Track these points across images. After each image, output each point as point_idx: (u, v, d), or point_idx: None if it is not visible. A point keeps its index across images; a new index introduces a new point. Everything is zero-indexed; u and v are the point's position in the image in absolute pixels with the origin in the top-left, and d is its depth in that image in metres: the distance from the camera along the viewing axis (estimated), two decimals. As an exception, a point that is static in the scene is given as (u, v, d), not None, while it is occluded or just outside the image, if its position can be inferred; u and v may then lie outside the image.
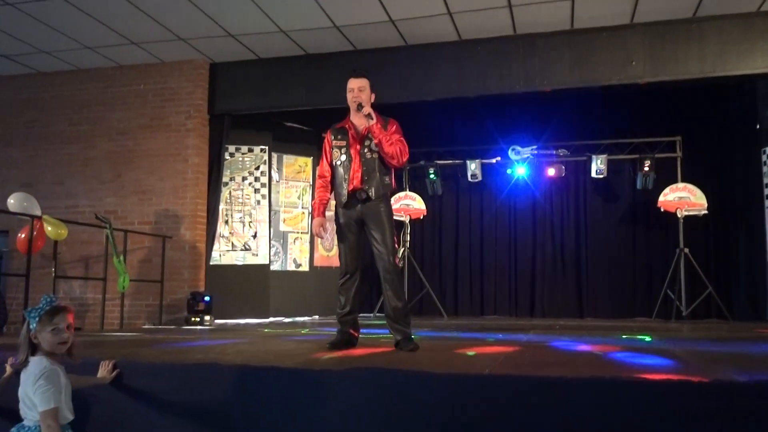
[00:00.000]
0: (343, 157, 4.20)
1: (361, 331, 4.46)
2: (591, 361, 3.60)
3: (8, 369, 3.22)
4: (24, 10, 7.03)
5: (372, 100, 4.30)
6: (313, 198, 4.42)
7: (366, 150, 4.16)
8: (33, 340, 2.81)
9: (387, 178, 4.18)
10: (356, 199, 4.13)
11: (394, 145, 4.11)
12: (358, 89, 4.23)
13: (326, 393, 3.04)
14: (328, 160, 4.29)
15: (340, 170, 4.21)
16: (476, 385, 2.86)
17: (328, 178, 4.29)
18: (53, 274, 6.95)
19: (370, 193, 4.10)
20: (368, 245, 4.23)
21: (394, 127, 4.23)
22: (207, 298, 7.74)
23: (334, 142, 4.26)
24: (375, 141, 4.11)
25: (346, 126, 4.28)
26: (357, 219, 4.17)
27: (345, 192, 4.17)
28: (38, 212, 6.94)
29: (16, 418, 2.84)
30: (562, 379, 2.76)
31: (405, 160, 4.21)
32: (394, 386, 2.97)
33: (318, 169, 4.46)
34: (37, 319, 2.79)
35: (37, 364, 2.77)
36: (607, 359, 3.67)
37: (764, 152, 8.34)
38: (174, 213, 8.26)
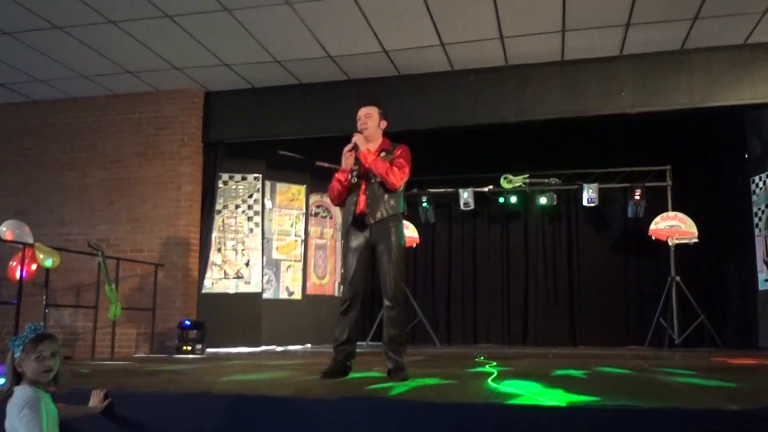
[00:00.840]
0: (354, 181, 4.25)
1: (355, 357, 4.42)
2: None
3: None
4: (21, 39, 7.10)
5: (382, 127, 4.36)
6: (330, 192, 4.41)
7: (372, 176, 4.20)
8: (18, 369, 2.79)
9: (393, 201, 4.18)
10: (365, 223, 4.16)
11: (381, 168, 4.13)
12: (364, 116, 4.31)
13: (318, 422, 3.03)
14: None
15: (351, 194, 4.26)
16: (470, 415, 2.86)
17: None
18: (44, 302, 6.91)
19: (375, 217, 4.13)
20: (374, 273, 4.23)
21: (399, 151, 4.26)
22: (199, 327, 7.69)
23: (351, 167, 4.29)
24: (365, 166, 4.16)
25: (357, 154, 4.33)
26: (367, 242, 4.18)
27: (351, 215, 4.21)
28: (30, 240, 6.92)
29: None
30: (561, 408, 2.77)
31: (398, 184, 4.19)
32: (386, 415, 2.96)
33: None
34: (21, 347, 2.77)
35: (21, 393, 2.75)
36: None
37: (753, 181, 8.43)
38: (167, 241, 8.26)
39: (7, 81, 8.27)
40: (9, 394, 2.78)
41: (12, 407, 2.73)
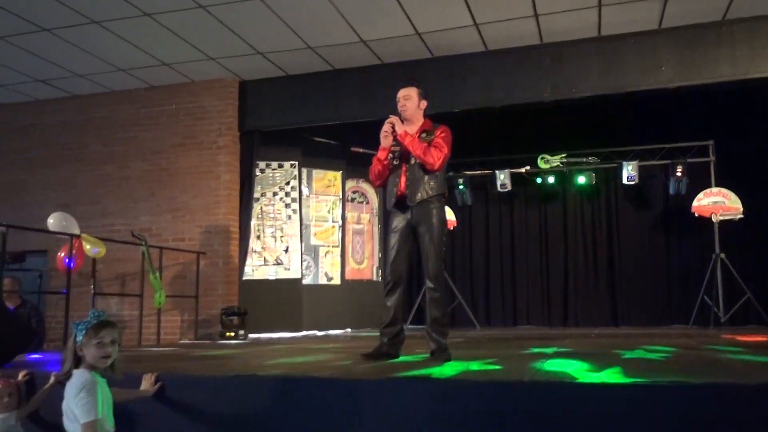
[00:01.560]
0: (396, 162, 4.25)
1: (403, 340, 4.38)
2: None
3: (52, 379, 3.31)
4: (60, 36, 7.24)
5: (422, 107, 4.33)
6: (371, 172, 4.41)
7: (412, 156, 4.19)
8: (78, 352, 2.87)
9: (433, 182, 4.16)
10: (407, 204, 4.16)
11: (418, 149, 4.11)
12: (403, 98, 4.29)
13: (364, 402, 3.06)
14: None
15: (393, 175, 4.26)
16: (514, 393, 2.86)
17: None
18: (92, 292, 7.09)
19: (416, 198, 4.12)
20: (417, 254, 4.24)
21: (439, 131, 4.22)
22: (241, 313, 7.81)
23: (391, 148, 4.28)
24: (403, 147, 4.15)
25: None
26: (408, 224, 4.18)
27: (393, 197, 4.22)
28: (77, 231, 7.09)
29: (60, 432, 2.91)
30: (608, 385, 2.75)
31: (437, 165, 4.15)
32: (430, 395, 2.98)
33: None
34: (84, 332, 2.86)
35: (79, 376, 2.84)
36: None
37: (800, 154, 8.20)
38: (207, 229, 8.39)
39: (47, 77, 8.45)
40: (68, 376, 2.87)
41: (70, 389, 2.82)
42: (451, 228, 10.09)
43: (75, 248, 6.81)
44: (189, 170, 8.58)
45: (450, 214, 9.98)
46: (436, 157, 4.13)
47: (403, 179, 4.19)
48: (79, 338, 2.86)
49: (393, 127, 4.22)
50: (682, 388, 2.63)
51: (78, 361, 2.88)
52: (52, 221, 7.15)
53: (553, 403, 2.76)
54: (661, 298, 9.59)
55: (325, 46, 7.68)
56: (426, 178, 4.16)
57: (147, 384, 3.35)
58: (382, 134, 4.24)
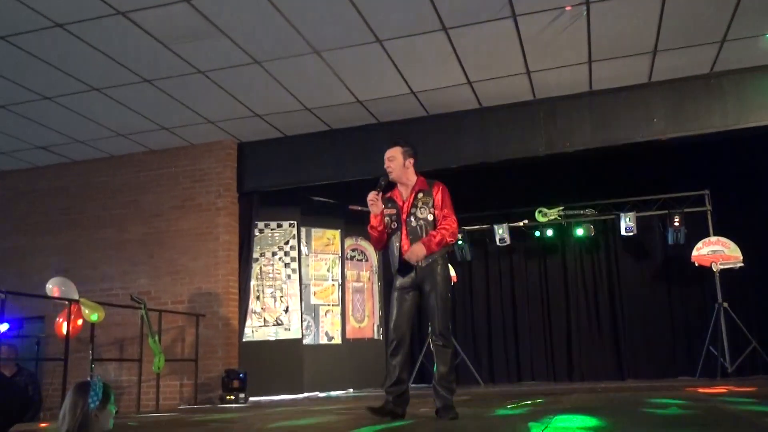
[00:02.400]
0: (394, 225, 4.25)
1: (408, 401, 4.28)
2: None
3: None
4: (60, 103, 7.35)
5: (409, 166, 4.32)
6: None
7: (412, 219, 4.19)
8: (93, 419, 2.81)
9: None
10: (410, 266, 4.14)
11: (438, 244, 4.10)
12: (387, 160, 4.32)
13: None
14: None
15: (393, 238, 4.25)
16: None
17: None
18: (90, 358, 6.99)
19: (420, 262, 4.10)
20: (422, 313, 4.21)
21: (438, 195, 4.22)
22: (242, 376, 7.69)
23: (385, 211, 4.29)
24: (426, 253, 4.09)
25: (394, 196, 4.34)
26: (413, 283, 4.16)
27: (397, 261, 4.20)
28: (76, 296, 7.05)
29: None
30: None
31: (456, 233, 4.20)
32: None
33: None
34: (100, 397, 2.82)
35: None
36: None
37: (795, 201, 8.25)
38: (207, 291, 8.34)
39: (48, 144, 8.55)
40: None
41: None
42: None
43: (73, 313, 6.75)
44: (188, 232, 8.59)
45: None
46: (453, 229, 4.15)
47: (405, 242, 4.17)
48: (94, 405, 2.81)
49: (379, 189, 4.23)
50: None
51: (80, 430, 2.81)
52: (51, 286, 7.11)
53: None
54: (666, 350, 9.48)
55: (321, 107, 7.80)
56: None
57: None
58: (369, 203, 4.25)
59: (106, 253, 8.85)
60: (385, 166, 4.32)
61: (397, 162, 4.30)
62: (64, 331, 6.64)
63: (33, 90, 7.03)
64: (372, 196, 4.23)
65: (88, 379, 2.91)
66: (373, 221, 4.28)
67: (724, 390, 6.06)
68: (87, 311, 6.86)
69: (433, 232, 4.12)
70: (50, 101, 7.29)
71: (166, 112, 7.73)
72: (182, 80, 6.95)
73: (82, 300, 6.93)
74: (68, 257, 8.91)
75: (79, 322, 6.94)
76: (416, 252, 4.06)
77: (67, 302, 6.79)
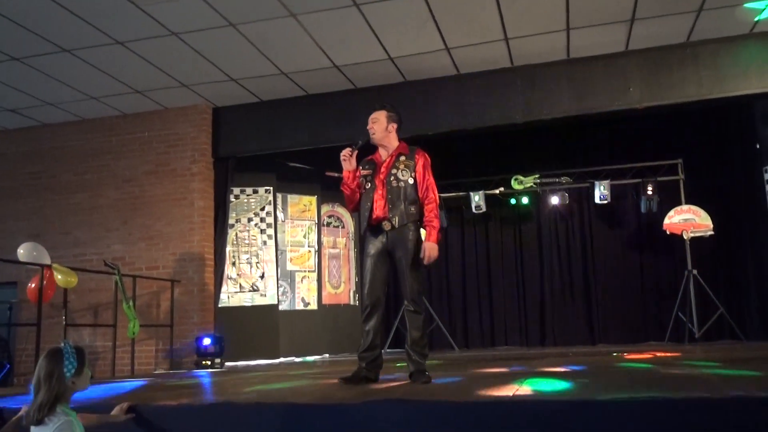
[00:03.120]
0: (368, 186, 4.25)
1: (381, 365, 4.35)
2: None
3: (22, 412, 3.17)
4: (30, 65, 7.18)
5: (392, 130, 4.32)
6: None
7: (392, 178, 4.19)
8: (70, 386, 2.80)
9: (413, 208, 4.16)
10: (381, 229, 4.16)
11: (434, 222, 4.15)
12: (371, 121, 4.32)
13: (343, 427, 3.03)
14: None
15: (365, 199, 4.25)
16: (497, 412, 2.85)
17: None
18: (64, 323, 6.94)
19: (394, 222, 4.12)
20: (394, 277, 4.24)
21: (421, 161, 4.24)
22: (217, 341, 7.71)
23: (361, 171, 4.29)
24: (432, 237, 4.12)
25: (374, 158, 4.34)
26: (384, 249, 4.17)
27: (368, 220, 4.21)
28: (48, 261, 6.97)
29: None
30: (591, 402, 2.75)
31: (438, 204, 4.26)
32: (410, 417, 2.95)
33: None
34: (75, 364, 2.80)
35: (55, 420, 2.75)
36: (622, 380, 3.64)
37: (765, 171, 8.38)
38: (182, 257, 8.30)
39: (17, 106, 8.36)
40: (42, 419, 2.75)
41: (41, 429, 2.73)
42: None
43: (46, 278, 6.69)
44: (162, 198, 8.51)
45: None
46: (436, 203, 4.20)
47: (380, 203, 4.17)
48: (70, 372, 2.79)
49: (353, 148, 4.25)
50: (662, 403, 2.64)
51: (56, 399, 2.78)
52: (22, 251, 7.02)
53: (535, 420, 2.75)
54: (636, 316, 9.68)
55: (298, 71, 7.71)
56: (406, 203, 4.16)
57: (119, 411, 3.28)
58: (341, 158, 4.26)
59: (78, 218, 8.74)
60: (368, 128, 4.32)
61: (380, 124, 4.29)
62: (37, 296, 6.57)
63: (1, 50, 6.85)
64: (345, 152, 4.25)
65: (59, 346, 2.87)
66: (346, 177, 4.28)
67: (690, 354, 6.22)
68: (60, 276, 6.80)
69: (429, 221, 4.15)
70: (19, 62, 7.11)
71: (139, 74, 7.58)
72: (155, 42, 6.81)
73: (54, 265, 6.86)
74: (40, 222, 8.80)
75: (52, 289, 6.87)
76: (431, 253, 4.09)
77: (39, 267, 6.72)
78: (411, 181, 4.19)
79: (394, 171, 4.20)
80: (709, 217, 8.74)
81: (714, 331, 8.81)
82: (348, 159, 4.25)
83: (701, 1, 6.41)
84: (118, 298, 7.41)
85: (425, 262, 4.11)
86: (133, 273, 8.01)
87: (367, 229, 4.24)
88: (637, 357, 6.04)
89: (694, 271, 8.66)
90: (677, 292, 8.76)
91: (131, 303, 7.43)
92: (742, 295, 9.15)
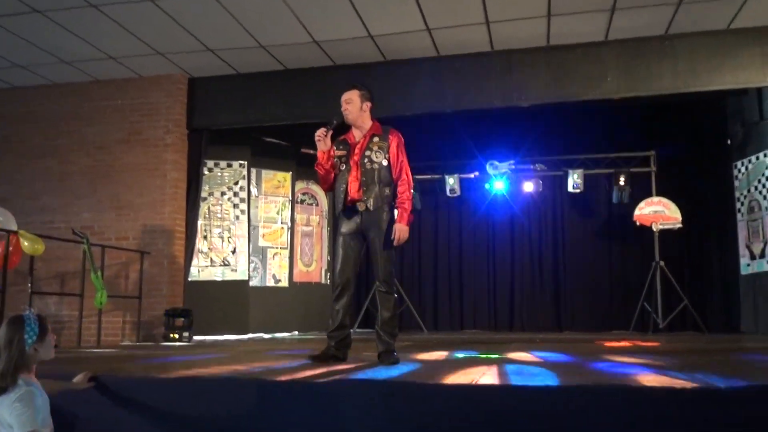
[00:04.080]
0: (343, 167, 4.23)
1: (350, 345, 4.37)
2: (576, 370, 3.64)
3: None
4: (0, 24, 6.98)
5: (366, 110, 4.31)
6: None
7: (366, 160, 4.17)
8: (32, 353, 2.75)
9: (387, 190, 4.17)
10: (356, 210, 4.14)
11: (406, 204, 4.16)
12: (345, 102, 4.29)
13: (311, 405, 3.03)
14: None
15: (340, 180, 4.23)
16: (462, 395, 2.88)
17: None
18: (29, 291, 6.83)
19: (369, 204, 4.11)
20: (366, 258, 4.24)
21: (395, 142, 4.23)
22: (186, 314, 7.65)
23: (335, 152, 4.26)
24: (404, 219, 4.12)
25: (347, 138, 4.31)
26: (357, 229, 4.18)
27: (343, 202, 4.19)
28: (14, 227, 6.84)
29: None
30: (553, 387, 2.79)
31: (412, 186, 4.29)
32: (378, 397, 2.97)
33: None
34: (37, 331, 2.75)
35: (16, 389, 2.70)
36: (592, 368, 3.71)
37: (735, 167, 8.53)
38: (152, 228, 8.19)
39: (-14, 67, 8.14)
40: (5, 389, 2.69)
41: (2, 399, 2.68)
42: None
43: (12, 245, 6.56)
44: (134, 167, 8.37)
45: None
46: (409, 185, 4.21)
47: (355, 185, 4.16)
48: (31, 341, 2.74)
49: (329, 128, 4.22)
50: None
51: (17, 368, 2.73)
52: (-12, 217, 6.87)
53: (501, 405, 2.78)
54: (603, 305, 9.83)
55: (277, 45, 7.61)
56: (380, 185, 4.15)
57: (81, 378, 3.24)
58: (316, 139, 4.22)
59: (47, 184, 8.57)
60: (342, 109, 4.29)
61: (354, 105, 4.27)
62: (2, 263, 6.44)
63: (-30, 8, 6.65)
64: (320, 132, 4.21)
65: (21, 313, 2.81)
66: (320, 157, 4.25)
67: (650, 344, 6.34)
68: (26, 243, 6.67)
69: (401, 203, 4.15)
70: (-11, 22, 6.91)
71: (113, 40, 7.41)
72: (130, 7, 6.65)
73: (21, 232, 6.73)
74: (7, 187, 8.60)
75: (17, 256, 6.74)
76: (401, 235, 4.09)
77: (5, 233, 6.58)
78: (385, 162, 4.18)
79: (368, 153, 4.19)
80: (678, 210, 8.87)
81: (678, 322, 8.99)
82: (323, 139, 4.21)
83: (682, -5, 6.45)
84: (86, 268, 7.30)
85: (395, 243, 4.11)
86: (102, 243, 7.90)
87: (342, 210, 4.22)
88: (615, 345, 6.14)
89: (662, 263, 8.81)
90: (644, 283, 8.91)
91: (99, 273, 7.33)
92: (707, 288, 9.34)
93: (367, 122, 4.32)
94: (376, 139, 4.23)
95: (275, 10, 6.71)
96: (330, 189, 4.39)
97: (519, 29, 7.18)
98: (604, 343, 6.36)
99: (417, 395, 2.91)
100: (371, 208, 4.12)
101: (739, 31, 7.16)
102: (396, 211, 4.19)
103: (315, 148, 4.36)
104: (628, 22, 7.02)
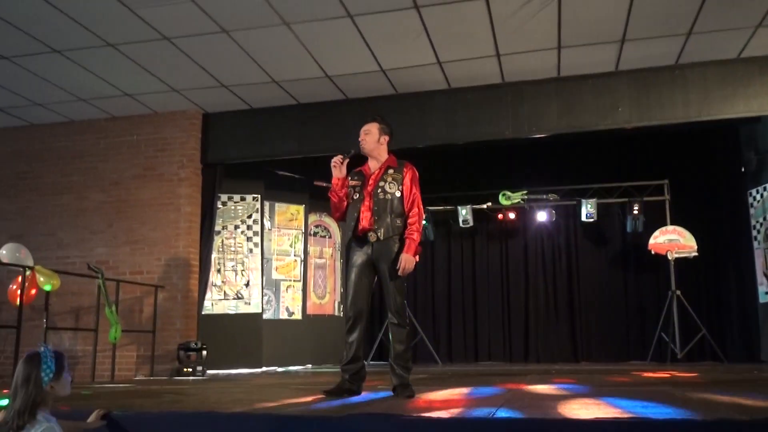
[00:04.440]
0: (356, 196, 4.25)
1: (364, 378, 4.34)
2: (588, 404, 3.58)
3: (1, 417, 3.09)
4: (20, 64, 7.13)
5: (383, 143, 4.35)
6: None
7: (380, 191, 4.19)
8: (50, 390, 2.75)
9: (399, 221, 4.17)
10: (367, 240, 4.16)
11: (415, 235, 4.16)
12: (363, 133, 4.33)
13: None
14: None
15: (352, 209, 4.25)
16: (477, 429, 2.84)
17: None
18: (44, 326, 6.86)
19: (379, 234, 4.12)
20: (378, 289, 4.24)
21: (409, 175, 4.26)
22: (200, 348, 7.64)
23: (350, 181, 4.30)
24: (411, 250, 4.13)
25: (363, 170, 4.34)
26: (368, 260, 4.17)
27: (355, 231, 4.20)
28: (30, 263, 6.90)
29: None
30: (566, 420, 2.75)
31: (423, 218, 4.33)
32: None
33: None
34: (53, 368, 2.75)
35: (37, 426, 2.70)
36: (604, 401, 3.65)
37: (750, 194, 8.48)
38: (166, 262, 8.23)
39: (5, 105, 8.28)
40: (22, 427, 2.68)
41: None
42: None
43: (27, 281, 6.61)
44: (149, 202, 8.45)
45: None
46: (420, 217, 4.23)
47: (366, 215, 4.18)
48: (48, 378, 2.73)
49: (343, 159, 4.26)
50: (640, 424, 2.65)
51: (35, 405, 2.72)
52: (5, 252, 6.94)
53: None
54: (619, 334, 9.72)
55: (289, 80, 7.71)
56: (392, 216, 4.16)
57: (94, 417, 3.23)
58: (332, 165, 4.26)
59: (63, 220, 8.66)
60: (360, 139, 4.33)
61: (371, 136, 4.31)
62: (18, 298, 6.49)
63: (-10, 49, 6.80)
64: (336, 159, 4.25)
65: (38, 350, 2.81)
66: (334, 184, 4.27)
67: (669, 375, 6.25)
68: (42, 279, 6.73)
69: (410, 234, 4.14)
70: (8, 61, 7.05)
71: (130, 78, 7.55)
72: (147, 46, 6.79)
73: (36, 267, 6.79)
74: (24, 223, 8.71)
75: (33, 290, 6.79)
76: (407, 265, 4.06)
77: (21, 269, 6.64)
78: (398, 194, 4.20)
79: (381, 183, 4.21)
80: (693, 239, 8.81)
81: (696, 351, 8.86)
82: (339, 166, 4.25)
83: (691, 25, 6.49)
84: (100, 302, 7.33)
85: (400, 273, 4.08)
86: (116, 277, 7.94)
87: (353, 239, 4.23)
88: (620, 377, 6.05)
89: (678, 292, 8.72)
90: (660, 312, 8.81)
91: (114, 307, 7.36)
92: (725, 316, 9.21)
93: (384, 155, 4.36)
94: (391, 170, 4.26)
95: (288, 47, 6.81)
96: (342, 218, 4.40)
97: (529, 61, 7.24)
98: (641, 374, 6.26)
99: (433, 430, 2.87)
100: (382, 238, 4.12)
101: (750, 59, 7.18)
102: (401, 240, 4.19)
103: (328, 180, 4.38)
104: (639, 52, 7.06)
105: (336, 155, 4.31)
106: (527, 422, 2.84)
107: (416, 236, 4.17)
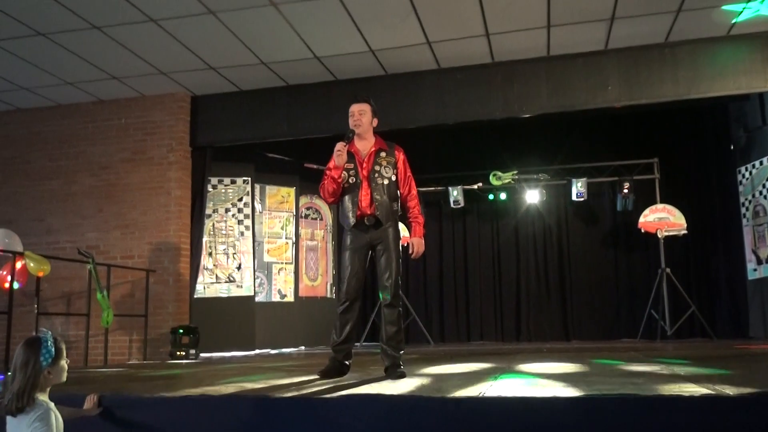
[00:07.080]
0: (352, 180, 4.21)
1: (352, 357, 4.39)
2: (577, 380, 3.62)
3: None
4: (5, 47, 7.04)
5: (374, 125, 4.34)
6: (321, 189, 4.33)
7: (376, 175, 4.18)
8: (47, 376, 2.76)
9: (395, 205, 4.21)
10: (365, 224, 4.15)
11: (420, 219, 4.32)
12: (358, 113, 4.26)
13: (320, 421, 3.02)
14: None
15: (348, 193, 4.21)
16: (470, 409, 2.86)
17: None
18: (36, 311, 6.84)
19: (380, 218, 4.13)
20: (372, 272, 4.25)
21: (402, 158, 4.30)
22: (192, 332, 7.65)
23: (346, 166, 4.22)
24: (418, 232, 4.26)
25: (352, 150, 4.27)
26: (366, 244, 4.18)
27: (353, 216, 4.17)
28: (20, 248, 6.86)
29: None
30: (561, 399, 2.78)
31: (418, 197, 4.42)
32: (385, 412, 2.96)
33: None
34: (53, 354, 2.76)
35: (36, 407, 2.72)
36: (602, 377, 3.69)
37: (739, 172, 8.52)
38: (157, 246, 8.22)
39: (-9, 90, 8.20)
40: (21, 408, 2.71)
41: (23, 419, 2.69)
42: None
43: (18, 266, 6.58)
44: (138, 186, 8.41)
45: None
46: (416, 194, 4.35)
47: (366, 200, 4.15)
48: (46, 362, 2.75)
49: (347, 141, 4.21)
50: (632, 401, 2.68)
51: (32, 392, 2.74)
52: (-6, 238, 6.90)
53: (508, 418, 2.77)
54: (610, 313, 9.80)
55: (278, 61, 7.65)
56: (389, 200, 4.17)
57: (90, 404, 3.25)
58: (336, 152, 4.20)
59: (52, 205, 8.61)
60: (354, 119, 4.25)
61: (366, 117, 4.28)
62: (8, 284, 6.46)
63: (-26, 32, 6.72)
64: (340, 146, 4.16)
65: (39, 335, 2.83)
66: (335, 172, 4.20)
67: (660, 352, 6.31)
68: (32, 264, 6.70)
69: (415, 218, 4.29)
70: (-8, 45, 6.97)
71: (117, 61, 7.47)
72: (133, 28, 6.71)
73: (26, 253, 6.76)
74: (12, 208, 8.65)
75: (23, 275, 6.77)
76: (419, 248, 4.24)
77: (11, 255, 6.61)
78: (393, 178, 4.22)
79: (377, 167, 4.20)
80: (683, 217, 8.86)
81: (685, 328, 8.95)
82: (342, 154, 4.16)
83: (680, 2, 6.47)
84: (91, 287, 7.31)
85: (413, 257, 4.17)
86: (107, 262, 7.92)
87: (353, 225, 4.20)
88: (610, 355, 6.10)
89: (668, 270, 8.78)
90: (650, 290, 8.88)
91: (105, 292, 7.34)
92: (714, 293, 9.30)
93: (372, 137, 4.34)
94: (383, 154, 4.24)
95: (276, 27, 6.75)
96: (335, 202, 4.35)
97: (519, 41, 7.21)
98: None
99: (423, 409, 2.90)
100: (382, 222, 4.13)
101: (739, 37, 7.17)
102: (403, 225, 4.21)
103: (318, 162, 4.36)
104: (628, 30, 7.04)
105: (323, 140, 4.28)
106: (516, 401, 2.87)
107: (420, 219, 4.30)
